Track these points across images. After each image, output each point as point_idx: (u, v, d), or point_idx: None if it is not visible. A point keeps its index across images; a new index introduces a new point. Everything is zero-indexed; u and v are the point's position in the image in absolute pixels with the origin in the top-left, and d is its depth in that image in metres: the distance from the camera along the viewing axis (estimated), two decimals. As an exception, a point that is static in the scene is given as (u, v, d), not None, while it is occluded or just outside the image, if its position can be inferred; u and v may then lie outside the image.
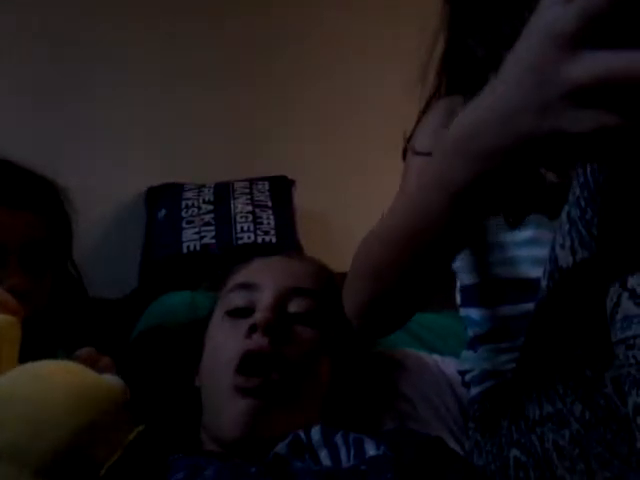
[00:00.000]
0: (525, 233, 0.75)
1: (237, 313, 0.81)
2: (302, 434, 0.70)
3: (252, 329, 0.77)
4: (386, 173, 1.69)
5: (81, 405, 0.54)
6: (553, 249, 0.62)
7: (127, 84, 1.86)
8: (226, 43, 1.95)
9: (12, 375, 0.58)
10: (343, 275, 1.06)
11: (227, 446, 0.74)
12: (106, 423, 0.55)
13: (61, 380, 0.56)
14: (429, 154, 0.62)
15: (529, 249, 0.75)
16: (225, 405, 0.75)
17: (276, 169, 1.82)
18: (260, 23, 1.96)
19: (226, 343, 0.79)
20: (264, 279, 0.83)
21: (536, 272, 0.68)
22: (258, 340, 0.76)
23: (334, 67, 1.94)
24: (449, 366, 0.96)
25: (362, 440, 0.69)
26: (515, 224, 0.75)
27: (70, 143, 1.78)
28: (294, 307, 0.81)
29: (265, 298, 0.80)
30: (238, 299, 0.83)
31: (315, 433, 0.70)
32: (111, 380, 0.61)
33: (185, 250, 1.61)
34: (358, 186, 1.84)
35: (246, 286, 0.83)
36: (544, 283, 0.63)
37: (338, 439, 0.70)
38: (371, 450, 0.68)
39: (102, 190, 1.75)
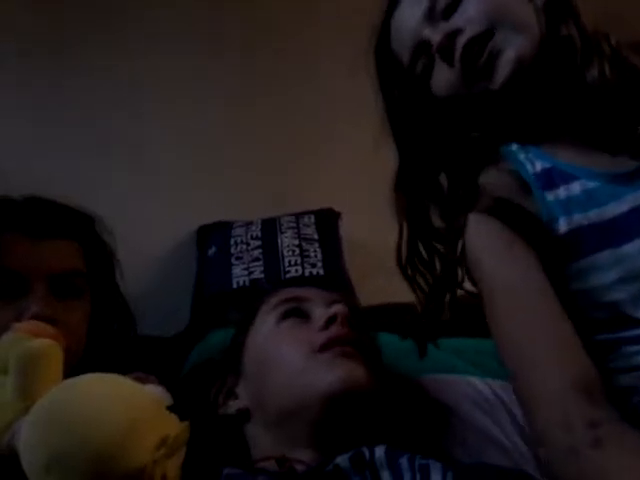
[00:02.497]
0: None
1: (296, 313, 0.82)
2: (366, 450, 0.69)
3: (331, 320, 0.78)
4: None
5: (119, 408, 0.55)
6: None
7: (173, 128, 1.93)
8: (268, 76, 2.00)
9: (52, 392, 0.59)
10: (394, 305, 1.05)
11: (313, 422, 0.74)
12: (146, 423, 0.55)
13: (98, 389, 0.58)
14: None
15: None
16: (319, 373, 0.73)
17: (321, 202, 1.83)
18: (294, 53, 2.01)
19: (295, 340, 0.78)
20: (308, 293, 0.86)
21: None
22: (338, 329, 0.77)
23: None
24: (507, 391, 0.94)
25: (428, 466, 0.67)
26: None
27: (124, 188, 1.84)
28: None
29: (319, 305, 0.82)
30: (290, 307, 0.84)
31: (379, 451, 0.69)
32: (150, 387, 0.62)
33: (235, 285, 1.63)
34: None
35: (294, 299, 0.85)
36: None
37: (403, 462, 0.68)
38: (437, 478, 0.66)
39: (154, 231, 1.79)
